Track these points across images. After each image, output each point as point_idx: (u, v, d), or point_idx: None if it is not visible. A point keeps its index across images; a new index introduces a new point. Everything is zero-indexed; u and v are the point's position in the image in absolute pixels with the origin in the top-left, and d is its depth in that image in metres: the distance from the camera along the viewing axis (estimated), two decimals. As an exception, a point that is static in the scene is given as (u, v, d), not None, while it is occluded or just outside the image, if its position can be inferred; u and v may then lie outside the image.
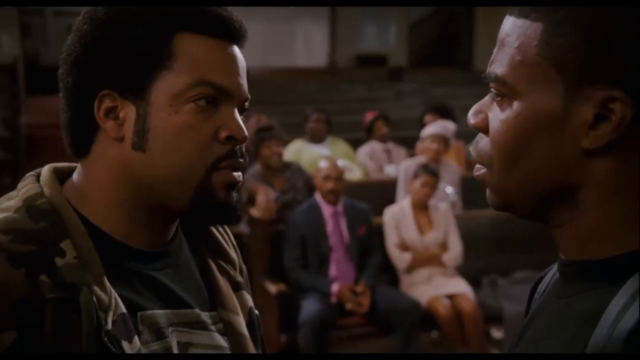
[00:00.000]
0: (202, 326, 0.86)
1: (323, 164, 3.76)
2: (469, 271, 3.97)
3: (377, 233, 3.86)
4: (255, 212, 3.80)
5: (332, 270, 3.66)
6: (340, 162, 3.83)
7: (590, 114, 0.62)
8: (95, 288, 0.75)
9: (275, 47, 15.31)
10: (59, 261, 0.75)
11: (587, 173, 0.64)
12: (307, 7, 14.12)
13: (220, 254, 0.95)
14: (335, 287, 3.56)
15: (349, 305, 3.53)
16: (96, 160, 0.83)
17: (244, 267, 1.00)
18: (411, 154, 5.12)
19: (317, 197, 3.76)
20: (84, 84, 0.80)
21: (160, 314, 0.82)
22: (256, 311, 0.97)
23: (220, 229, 0.98)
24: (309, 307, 3.47)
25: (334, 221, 3.71)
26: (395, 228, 3.87)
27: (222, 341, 0.88)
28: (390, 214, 3.90)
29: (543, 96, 0.64)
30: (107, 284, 0.77)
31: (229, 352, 0.88)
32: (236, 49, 0.84)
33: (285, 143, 4.77)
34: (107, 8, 0.80)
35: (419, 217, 3.89)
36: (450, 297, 3.71)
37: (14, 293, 0.72)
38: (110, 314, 0.75)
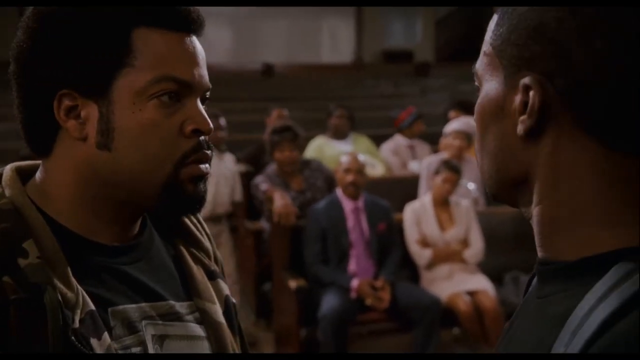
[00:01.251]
0: (176, 317, 0.86)
1: (344, 158, 3.78)
2: (491, 268, 3.95)
3: (398, 229, 3.85)
4: (275, 217, 3.80)
5: (352, 266, 3.67)
6: (362, 157, 3.83)
7: (519, 100, 0.62)
8: (61, 286, 0.74)
9: (301, 44, 15.33)
10: (22, 262, 0.73)
11: (530, 161, 0.63)
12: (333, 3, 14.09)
13: (193, 243, 0.95)
14: (355, 283, 3.57)
15: (368, 301, 3.54)
16: (59, 159, 0.82)
17: (218, 255, 1.00)
18: (436, 150, 5.09)
19: (338, 192, 3.77)
20: (40, 84, 0.79)
21: (132, 308, 0.81)
22: (233, 299, 0.97)
23: (193, 219, 0.97)
24: (329, 302, 3.49)
25: (354, 216, 3.71)
26: (416, 224, 3.86)
27: (198, 330, 0.88)
28: (410, 210, 3.90)
29: (490, 85, 0.65)
30: (74, 281, 0.76)
31: (205, 341, 0.88)
32: (195, 40, 0.83)
33: (306, 140, 4.78)
34: (59, 6, 0.79)
35: (440, 213, 3.88)
36: (471, 293, 3.69)
37: None
38: (78, 312, 0.74)
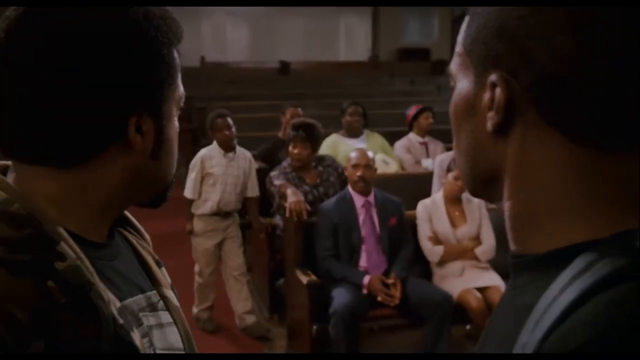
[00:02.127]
0: (154, 307, 0.90)
1: (353, 154, 3.81)
2: (502, 265, 3.95)
3: (410, 226, 3.88)
4: (287, 212, 3.85)
5: (363, 261, 3.70)
6: (371, 153, 3.86)
7: (488, 98, 0.64)
8: (98, 285, 0.75)
9: (318, 42, 15.34)
10: (59, 265, 0.73)
11: (499, 158, 0.65)
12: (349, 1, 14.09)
13: (137, 234, 1.00)
14: (366, 279, 3.60)
15: (380, 297, 3.57)
16: (98, 168, 0.82)
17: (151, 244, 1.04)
18: (449, 148, 5.10)
19: (349, 188, 3.81)
20: (114, 104, 0.80)
21: (131, 302, 0.85)
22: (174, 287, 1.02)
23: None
24: (340, 297, 3.52)
25: (365, 212, 3.74)
26: (428, 221, 3.88)
27: (168, 317, 0.92)
28: (422, 207, 3.92)
29: (462, 83, 0.67)
30: (99, 280, 0.77)
31: (174, 326, 0.93)
32: None
33: (323, 136, 4.82)
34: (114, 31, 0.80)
35: (451, 210, 3.90)
36: (483, 290, 3.71)
37: (27, 303, 0.70)
38: (112, 308, 0.76)
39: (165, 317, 0.92)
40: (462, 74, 0.68)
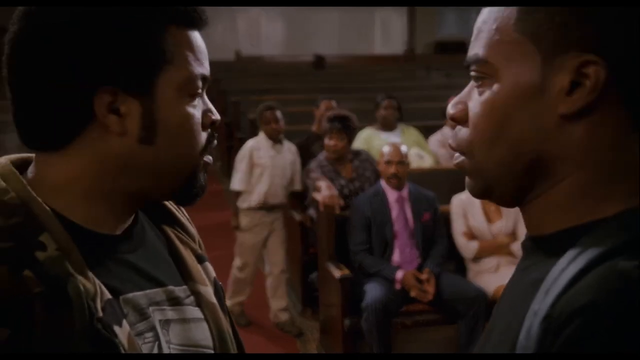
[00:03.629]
0: (177, 302, 0.88)
1: (386, 149, 3.77)
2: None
3: (444, 220, 3.84)
4: (320, 206, 3.85)
5: (396, 256, 3.67)
6: (404, 148, 3.82)
7: (566, 80, 0.65)
8: (80, 277, 0.74)
9: (353, 35, 15.29)
10: (40, 255, 0.73)
11: (563, 141, 0.66)
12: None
13: (179, 227, 0.98)
14: (399, 274, 3.57)
15: (413, 293, 3.54)
16: (80, 151, 0.81)
17: (200, 240, 1.02)
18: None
19: (382, 182, 3.78)
20: (79, 80, 0.78)
21: (139, 295, 0.83)
22: (219, 282, 0.99)
23: (174, 204, 0.99)
24: (373, 291, 3.50)
25: (398, 207, 3.71)
26: (463, 216, 3.83)
27: (197, 313, 0.91)
28: (457, 202, 3.87)
29: (522, 70, 0.67)
30: (89, 272, 0.76)
31: (204, 322, 0.91)
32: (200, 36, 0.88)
33: (357, 131, 4.80)
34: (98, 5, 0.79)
35: (487, 205, 3.84)
36: (519, 287, 3.65)
37: (0, 291, 0.70)
38: (98, 301, 0.75)
39: (194, 312, 0.90)
40: (515, 61, 0.67)
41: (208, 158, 0.87)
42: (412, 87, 9.32)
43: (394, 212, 3.69)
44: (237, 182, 4.25)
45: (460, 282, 3.68)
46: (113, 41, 0.78)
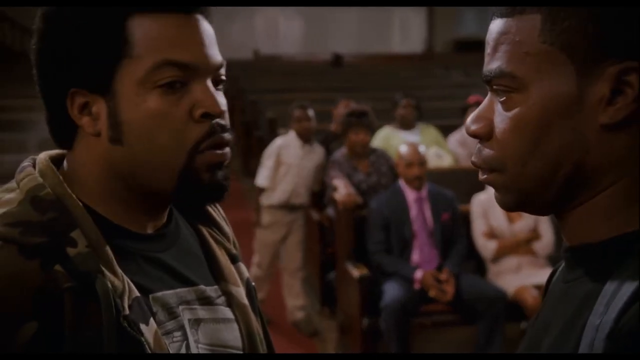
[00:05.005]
0: (208, 301, 0.87)
1: (404, 150, 3.73)
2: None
3: (464, 220, 3.81)
4: (338, 205, 3.85)
5: (415, 256, 3.65)
6: (422, 147, 3.79)
7: (607, 89, 0.62)
8: (109, 274, 0.75)
9: (372, 34, 15.26)
10: (71, 251, 0.74)
11: (605, 151, 0.64)
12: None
13: (214, 226, 0.96)
14: (418, 274, 3.55)
15: (432, 293, 3.51)
16: (81, 154, 0.82)
17: (235, 240, 1.00)
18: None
19: (401, 182, 3.75)
20: (53, 83, 0.79)
21: (169, 294, 0.83)
22: (252, 282, 0.97)
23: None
24: (392, 291, 3.48)
25: (417, 206, 3.69)
26: (483, 216, 3.80)
27: (228, 313, 0.90)
28: (477, 202, 3.84)
29: (555, 81, 0.65)
30: (119, 269, 0.77)
31: (235, 323, 0.90)
32: (198, 19, 0.80)
33: (377, 130, 4.79)
34: (61, 5, 0.78)
35: (507, 205, 3.80)
36: (539, 287, 3.61)
37: (31, 284, 0.72)
38: (126, 298, 0.75)
39: (224, 312, 0.89)
40: (546, 73, 0.65)
41: (210, 154, 0.80)
42: (431, 86, 9.27)
43: (413, 211, 3.67)
44: (262, 178, 4.24)
45: (479, 282, 3.65)
46: (73, 40, 0.77)
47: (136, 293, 0.77)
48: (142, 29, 0.77)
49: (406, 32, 15.54)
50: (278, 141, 4.33)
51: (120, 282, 0.76)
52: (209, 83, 0.81)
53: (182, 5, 0.79)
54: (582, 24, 0.63)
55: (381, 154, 4.33)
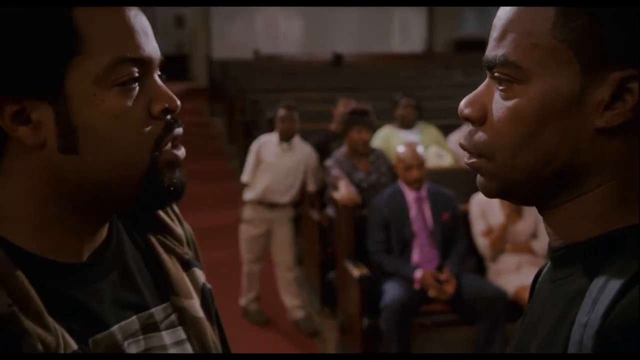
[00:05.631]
0: (154, 328, 0.80)
1: (402, 153, 3.71)
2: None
3: (464, 220, 3.80)
4: (339, 204, 3.86)
5: (415, 256, 3.64)
6: (420, 148, 3.78)
7: (607, 93, 0.62)
8: (39, 331, 0.66)
9: (371, 33, 15.26)
10: None
11: (597, 153, 0.64)
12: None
13: (164, 231, 0.88)
14: (418, 274, 3.54)
15: (432, 293, 3.51)
16: (10, 175, 0.72)
17: (191, 235, 0.93)
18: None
19: (400, 182, 3.75)
20: None
21: (112, 331, 0.75)
22: (208, 285, 0.90)
23: None
24: (392, 291, 3.48)
25: (417, 206, 3.68)
26: (481, 217, 3.80)
27: (177, 335, 0.82)
28: (476, 202, 3.84)
29: (559, 78, 0.64)
30: (51, 322, 0.68)
31: (186, 343, 0.83)
32: (137, 10, 0.73)
33: (377, 129, 4.80)
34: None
35: (507, 205, 3.80)
36: (539, 287, 3.61)
37: None
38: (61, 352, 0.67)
39: (173, 336, 0.82)
40: (551, 68, 0.64)
41: (170, 152, 0.74)
42: (431, 86, 9.27)
43: (413, 211, 3.66)
44: (244, 175, 4.33)
45: (479, 282, 3.65)
46: (8, 42, 0.66)
47: (72, 345, 0.69)
48: (92, 20, 0.68)
49: (406, 32, 15.53)
50: (261, 139, 4.40)
51: (53, 337, 0.67)
52: (157, 77, 0.75)
53: None
54: (593, 25, 0.62)
55: (380, 153, 4.34)
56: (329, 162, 4.24)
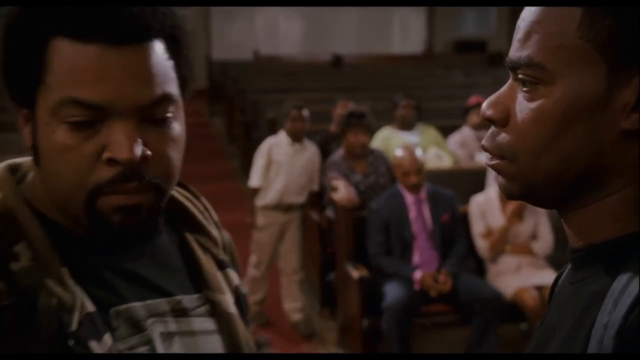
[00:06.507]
0: (184, 313, 0.82)
1: (400, 157, 3.68)
2: (562, 263, 3.84)
3: (463, 221, 3.80)
4: (338, 206, 3.85)
5: (416, 257, 3.64)
6: (418, 151, 3.77)
7: (633, 95, 0.62)
8: (57, 289, 0.71)
9: (371, 34, 15.26)
10: (14, 265, 0.71)
11: (621, 155, 0.64)
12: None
13: (201, 231, 0.90)
14: (417, 275, 3.54)
15: (433, 293, 3.51)
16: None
17: (229, 243, 0.96)
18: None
19: (399, 184, 3.74)
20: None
21: (137, 306, 0.78)
22: (243, 290, 0.92)
23: (199, 206, 0.93)
24: (393, 292, 3.48)
25: (416, 208, 3.68)
26: (481, 218, 3.80)
27: (208, 325, 0.84)
28: (475, 203, 3.84)
29: (584, 80, 0.63)
30: (71, 283, 0.73)
31: (217, 334, 0.84)
32: (130, 51, 0.71)
33: (376, 130, 4.78)
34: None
35: (506, 206, 3.80)
36: (539, 288, 3.61)
37: None
38: (76, 314, 0.71)
39: (203, 324, 0.84)
40: (577, 69, 0.63)
41: (117, 198, 0.72)
42: (431, 87, 9.27)
43: (412, 213, 3.66)
44: (254, 179, 4.23)
45: (476, 283, 3.66)
46: (3, 55, 0.74)
47: (89, 308, 0.73)
48: (60, 55, 0.70)
49: (406, 33, 15.53)
50: (269, 140, 4.33)
51: (71, 296, 0.72)
52: (128, 124, 0.72)
53: (110, 36, 0.69)
54: (619, 26, 0.62)
55: (379, 154, 4.33)
56: (326, 165, 4.23)
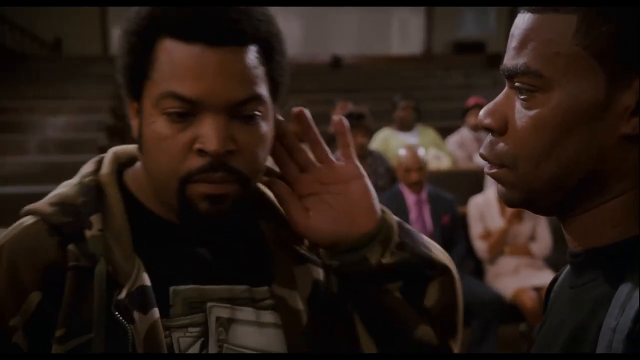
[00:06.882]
0: (247, 302, 0.85)
1: (403, 155, 3.72)
2: (560, 264, 3.84)
3: (463, 222, 3.81)
4: None
5: (415, 259, 3.64)
6: (421, 150, 3.79)
7: (633, 100, 0.62)
8: (119, 259, 0.79)
9: (371, 35, 15.27)
10: (87, 233, 0.80)
11: (621, 159, 0.64)
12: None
13: (281, 226, 0.90)
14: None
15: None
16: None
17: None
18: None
19: (401, 185, 3.76)
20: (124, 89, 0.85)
21: (197, 289, 0.82)
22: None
23: None
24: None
25: (417, 209, 3.69)
26: (479, 219, 3.81)
27: (269, 317, 0.86)
28: (474, 205, 3.85)
29: (582, 86, 0.63)
30: (135, 256, 0.80)
31: (279, 328, 0.85)
32: (226, 52, 0.77)
33: (375, 131, 4.79)
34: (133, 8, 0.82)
35: (505, 208, 3.81)
36: (538, 289, 3.62)
37: (45, 258, 0.79)
38: (129, 284, 0.78)
39: (265, 316, 0.86)
40: (574, 76, 0.63)
41: (203, 186, 0.78)
42: (430, 87, 9.27)
43: (412, 214, 3.67)
44: None
45: (476, 284, 3.67)
46: (121, 53, 0.82)
47: (145, 282, 0.79)
48: (166, 53, 0.78)
49: (405, 34, 15.54)
50: None
51: (131, 268, 0.79)
52: (219, 118, 0.78)
53: (209, 36, 0.76)
54: (616, 32, 0.61)
55: (378, 156, 4.35)
56: None
